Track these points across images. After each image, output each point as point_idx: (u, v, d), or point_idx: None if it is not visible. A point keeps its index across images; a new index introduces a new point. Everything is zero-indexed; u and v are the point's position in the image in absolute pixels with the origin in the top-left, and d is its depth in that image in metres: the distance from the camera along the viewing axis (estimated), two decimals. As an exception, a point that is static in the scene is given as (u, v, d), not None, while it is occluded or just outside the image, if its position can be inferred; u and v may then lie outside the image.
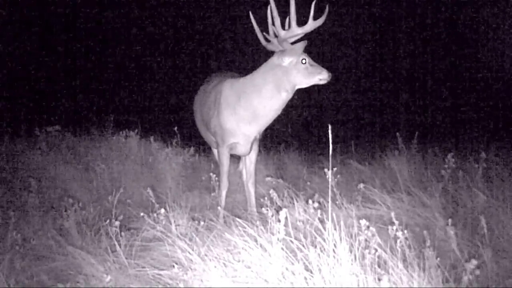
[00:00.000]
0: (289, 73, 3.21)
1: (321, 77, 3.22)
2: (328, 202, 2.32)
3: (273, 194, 2.88)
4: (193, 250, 2.37)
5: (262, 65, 3.39)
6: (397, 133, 4.35)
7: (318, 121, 9.24)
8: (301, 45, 3.19)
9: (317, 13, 3.12)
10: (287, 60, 3.20)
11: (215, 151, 4.08)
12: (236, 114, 3.42)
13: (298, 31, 3.16)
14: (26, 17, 9.04)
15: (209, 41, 9.94)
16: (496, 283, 2.14)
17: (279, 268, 2.03)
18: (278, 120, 3.53)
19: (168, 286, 2.27)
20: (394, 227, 2.12)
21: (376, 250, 2.02)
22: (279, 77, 3.24)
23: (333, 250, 1.98)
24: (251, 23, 3.25)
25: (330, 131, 2.15)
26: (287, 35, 3.16)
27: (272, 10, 3.15)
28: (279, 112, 3.40)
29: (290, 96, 3.32)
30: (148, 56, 10.18)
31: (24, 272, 2.65)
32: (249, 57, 9.14)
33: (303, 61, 3.19)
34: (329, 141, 2.14)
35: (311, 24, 3.15)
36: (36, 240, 3.01)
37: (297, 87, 3.29)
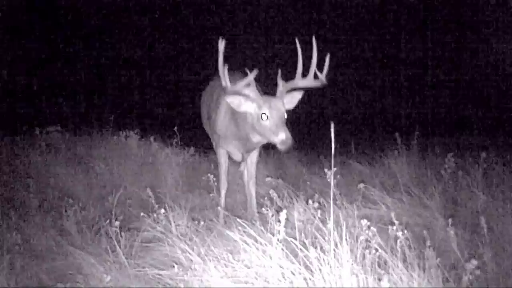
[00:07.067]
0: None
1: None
2: (328, 202, 2.32)
3: (273, 194, 2.87)
4: (193, 250, 2.37)
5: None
6: (396, 133, 4.34)
7: (318, 121, 9.23)
8: None
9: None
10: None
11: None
12: (226, 123, 3.30)
13: None
14: (26, 17, 9.04)
15: (210, 41, 9.93)
16: (496, 283, 2.14)
17: (279, 268, 2.03)
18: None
19: (168, 286, 2.27)
20: (394, 227, 2.12)
21: (377, 250, 2.02)
22: None
23: (334, 250, 1.98)
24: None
25: (332, 131, 2.14)
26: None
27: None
28: (254, 140, 3.14)
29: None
30: (149, 56, 10.17)
31: (24, 272, 2.64)
32: (250, 58, 9.15)
33: None
34: (330, 141, 2.14)
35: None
36: (36, 240, 3.01)
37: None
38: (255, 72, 2.89)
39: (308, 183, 3.84)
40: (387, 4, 9.82)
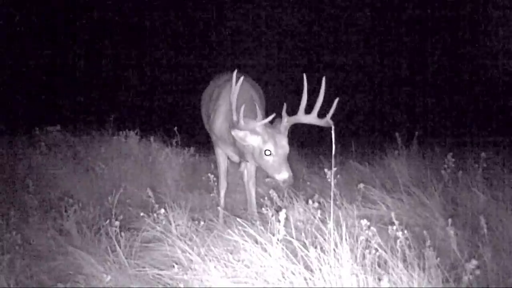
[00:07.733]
0: None
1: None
2: (328, 202, 2.32)
3: (273, 194, 2.88)
4: (193, 250, 2.37)
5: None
6: (396, 133, 4.34)
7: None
8: None
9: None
10: None
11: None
12: (224, 128, 3.24)
13: None
14: (25, 16, 9.04)
15: (210, 41, 9.94)
16: (496, 283, 2.14)
17: (279, 268, 2.04)
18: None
19: (168, 286, 2.27)
20: (394, 227, 2.12)
21: (377, 250, 2.02)
22: None
23: (334, 250, 1.98)
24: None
25: (333, 132, 2.15)
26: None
27: None
28: (249, 161, 3.14)
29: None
30: (148, 56, 10.18)
31: (24, 272, 2.64)
32: (250, 58, 9.14)
33: None
34: (330, 141, 2.15)
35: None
36: (36, 240, 3.01)
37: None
38: (271, 116, 2.88)
39: (308, 183, 3.84)
40: (387, 4, 9.82)
